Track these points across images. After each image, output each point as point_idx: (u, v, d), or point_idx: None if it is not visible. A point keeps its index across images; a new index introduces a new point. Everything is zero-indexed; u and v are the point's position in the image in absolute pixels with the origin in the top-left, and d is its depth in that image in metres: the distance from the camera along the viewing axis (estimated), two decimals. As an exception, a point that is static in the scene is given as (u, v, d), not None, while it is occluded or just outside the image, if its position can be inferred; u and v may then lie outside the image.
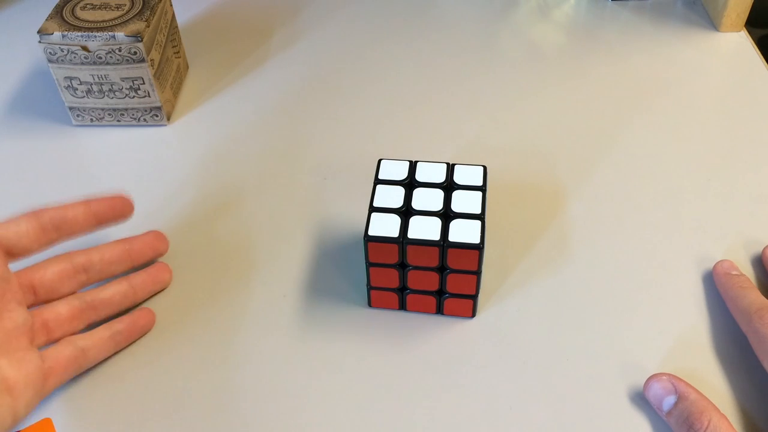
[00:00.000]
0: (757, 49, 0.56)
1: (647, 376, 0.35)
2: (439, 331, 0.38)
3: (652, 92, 0.52)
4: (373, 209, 0.36)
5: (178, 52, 0.53)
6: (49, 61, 0.46)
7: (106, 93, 0.48)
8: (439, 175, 0.37)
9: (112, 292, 0.37)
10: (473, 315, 0.38)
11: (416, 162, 0.38)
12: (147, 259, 0.40)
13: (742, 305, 0.36)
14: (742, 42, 0.56)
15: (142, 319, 0.38)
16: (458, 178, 0.37)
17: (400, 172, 0.38)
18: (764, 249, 0.40)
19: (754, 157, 0.47)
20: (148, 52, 0.47)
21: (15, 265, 0.34)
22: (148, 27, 0.46)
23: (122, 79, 0.47)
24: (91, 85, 0.48)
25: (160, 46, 0.49)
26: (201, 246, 0.42)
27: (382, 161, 0.38)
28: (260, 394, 0.36)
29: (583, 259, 0.41)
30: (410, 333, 0.38)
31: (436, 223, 0.35)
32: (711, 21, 0.59)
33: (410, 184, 0.37)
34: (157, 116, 0.50)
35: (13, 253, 0.34)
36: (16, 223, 0.34)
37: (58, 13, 0.47)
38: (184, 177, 0.47)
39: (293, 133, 0.50)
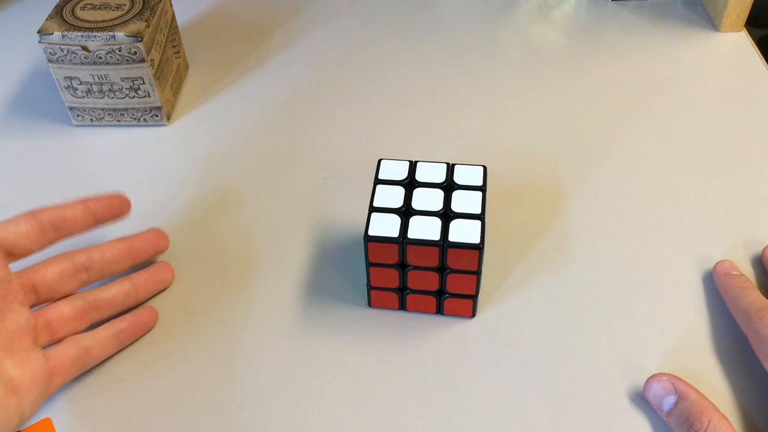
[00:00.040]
0: (757, 49, 0.56)
1: (647, 376, 0.35)
2: (439, 331, 0.38)
3: (652, 92, 0.52)
4: (373, 209, 0.36)
5: (178, 52, 0.53)
6: (49, 61, 0.46)
7: (106, 93, 0.48)
8: (439, 175, 0.37)
9: (114, 291, 0.38)
10: (473, 315, 0.38)
11: (416, 162, 0.38)
12: (148, 256, 0.40)
13: (743, 305, 0.36)
14: (742, 42, 0.56)
15: (145, 317, 0.38)
16: (458, 178, 0.37)
17: (400, 172, 0.38)
18: (764, 249, 0.40)
19: (754, 157, 0.47)
20: (148, 52, 0.47)
21: (15, 266, 0.34)
22: (148, 27, 0.46)
23: (122, 79, 0.47)
24: (91, 85, 0.48)
25: (160, 46, 0.49)
26: (201, 246, 0.42)
27: (382, 161, 0.38)
28: (260, 394, 0.36)
29: (583, 259, 0.41)
30: (410, 333, 0.38)
31: (436, 223, 0.35)
32: (711, 21, 0.59)
33: (410, 184, 0.37)
34: (157, 116, 0.50)
35: (13, 254, 0.34)
36: (15, 224, 0.34)
37: (58, 13, 0.47)
38: (184, 177, 0.47)
39: (293, 133, 0.50)
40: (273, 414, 0.35)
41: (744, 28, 0.57)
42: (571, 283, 0.40)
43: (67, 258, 0.36)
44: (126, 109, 0.49)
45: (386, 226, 0.35)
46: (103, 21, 0.46)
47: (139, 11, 0.47)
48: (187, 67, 0.56)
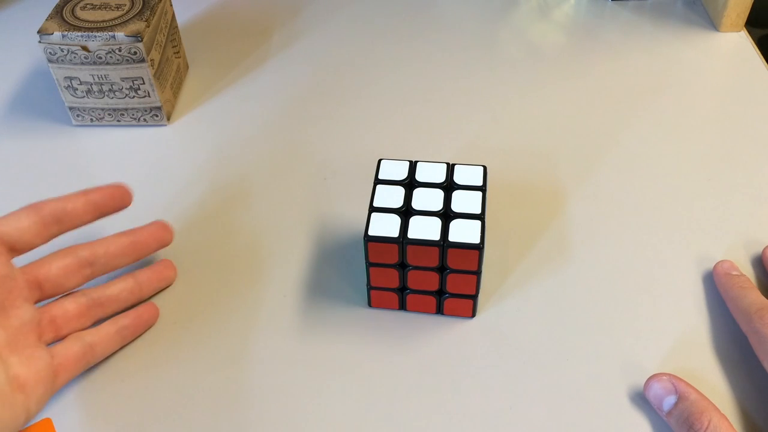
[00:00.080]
0: (757, 49, 0.56)
1: (647, 376, 0.35)
2: (439, 331, 0.38)
3: (652, 92, 0.52)
4: (373, 209, 0.36)
5: (178, 52, 0.53)
6: (49, 61, 0.46)
7: (106, 93, 0.48)
8: (439, 175, 0.37)
9: (118, 289, 0.38)
10: (473, 315, 0.38)
11: (416, 162, 0.38)
12: (152, 250, 0.40)
13: (743, 305, 0.36)
14: (742, 42, 0.56)
15: (146, 314, 0.38)
16: (458, 178, 0.37)
17: (400, 172, 0.38)
18: (764, 249, 0.40)
19: (754, 157, 0.47)
20: (148, 52, 0.47)
21: (19, 261, 0.34)
22: (148, 27, 0.46)
23: (122, 79, 0.47)
24: (91, 85, 0.48)
25: (160, 46, 0.49)
26: (201, 246, 0.42)
27: (382, 161, 0.38)
28: (260, 394, 0.36)
29: (583, 259, 0.41)
30: (410, 333, 0.38)
31: (436, 223, 0.35)
32: (711, 21, 0.59)
33: (410, 184, 0.37)
34: (157, 116, 0.50)
35: (15, 249, 0.34)
36: (16, 219, 0.34)
37: (58, 13, 0.47)
38: (184, 177, 0.47)
39: (293, 133, 0.50)
40: (273, 413, 0.35)
41: (744, 28, 0.57)
42: (571, 283, 0.40)
43: (71, 253, 0.36)
44: (126, 109, 0.49)
45: (386, 226, 0.35)
46: (103, 21, 0.46)
47: (139, 11, 0.47)
48: (187, 67, 0.56)
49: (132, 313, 0.38)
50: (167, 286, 0.40)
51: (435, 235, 0.34)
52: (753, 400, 0.34)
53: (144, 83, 0.48)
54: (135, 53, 0.46)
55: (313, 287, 0.40)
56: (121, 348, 0.37)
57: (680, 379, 0.34)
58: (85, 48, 0.46)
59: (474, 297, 0.37)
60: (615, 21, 0.59)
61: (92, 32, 0.45)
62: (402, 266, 0.36)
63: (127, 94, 0.48)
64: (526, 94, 0.52)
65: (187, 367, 0.37)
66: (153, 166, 0.48)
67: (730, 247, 0.41)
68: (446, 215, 0.35)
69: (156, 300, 0.40)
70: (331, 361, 0.37)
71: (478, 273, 0.35)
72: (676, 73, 0.54)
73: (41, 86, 0.54)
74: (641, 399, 0.35)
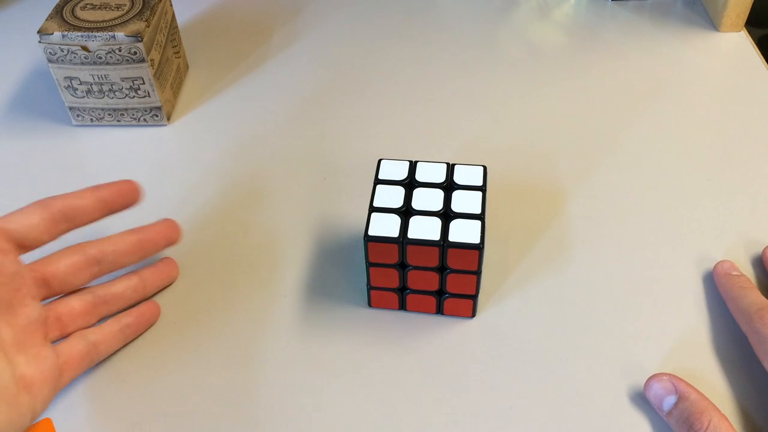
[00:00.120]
0: (757, 49, 0.56)
1: (647, 376, 0.35)
2: (439, 331, 0.38)
3: (652, 92, 0.52)
4: (373, 209, 0.36)
5: (178, 52, 0.53)
6: (49, 61, 0.46)
7: (106, 93, 0.48)
8: (439, 175, 0.37)
9: (123, 287, 0.37)
10: (473, 315, 0.38)
11: (416, 162, 0.38)
12: (159, 249, 0.39)
13: (743, 305, 0.36)
14: (742, 42, 0.56)
15: (148, 312, 0.38)
16: (458, 178, 0.37)
17: (400, 172, 0.38)
18: (764, 249, 0.40)
19: (754, 157, 0.47)
20: (148, 52, 0.47)
21: (26, 257, 0.34)
22: (148, 27, 0.46)
23: (122, 79, 0.47)
24: (91, 85, 0.48)
25: (160, 46, 0.49)
26: (201, 246, 0.42)
27: (382, 161, 0.38)
28: (260, 394, 0.36)
29: (583, 259, 0.41)
30: (410, 333, 0.38)
31: (436, 223, 0.35)
32: (711, 21, 0.59)
33: (410, 184, 0.37)
34: (157, 116, 0.50)
35: (24, 246, 0.34)
36: (26, 215, 0.34)
37: (58, 13, 0.47)
38: (184, 177, 0.47)
39: (293, 133, 0.50)
40: (273, 413, 0.35)
41: (744, 28, 0.57)
42: (571, 283, 0.40)
43: (79, 250, 0.36)
44: (126, 109, 0.49)
45: (386, 226, 0.35)
46: (103, 21, 0.46)
47: (139, 11, 0.47)
48: (187, 67, 0.56)
49: (135, 311, 0.38)
50: (169, 285, 0.40)
51: (435, 235, 0.34)
52: (753, 400, 0.34)
53: (144, 83, 0.48)
54: (135, 53, 0.46)
55: (313, 287, 0.40)
56: (123, 347, 0.37)
57: (680, 379, 0.34)
58: (85, 48, 0.46)
59: (474, 297, 0.37)
60: (615, 21, 0.59)
61: (92, 32, 0.45)
62: (402, 266, 0.36)
63: (127, 94, 0.48)
64: (526, 94, 0.52)
65: (188, 367, 0.37)
66: (153, 166, 0.48)
67: (730, 247, 0.41)
68: (446, 215, 0.35)
69: (157, 299, 0.40)
70: (331, 361, 0.37)
71: (478, 273, 0.35)
72: (676, 73, 0.54)
73: (41, 86, 0.54)
74: (641, 399, 0.35)
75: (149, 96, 0.49)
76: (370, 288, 0.38)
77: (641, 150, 0.48)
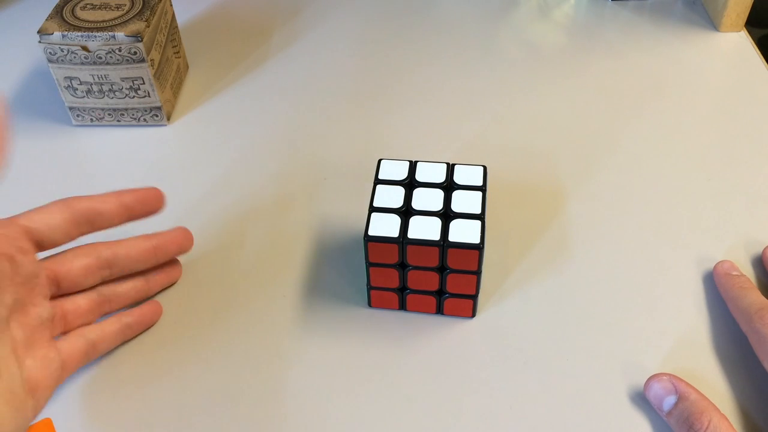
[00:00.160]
0: (757, 49, 0.56)
1: (648, 376, 0.35)
2: (439, 331, 0.38)
3: (652, 92, 0.52)
4: (373, 209, 0.36)
5: (178, 52, 0.53)
6: (49, 61, 0.46)
7: (106, 93, 0.48)
8: (439, 175, 0.37)
9: (129, 287, 0.37)
10: (473, 315, 0.38)
11: (416, 162, 0.38)
12: (170, 257, 0.39)
13: (743, 305, 0.36)
14: (742, 42, 0.56)
15: (149, 313, 0.38)
16: (458, 178, 0.37)
17: (400, 172, 0.38)
18: (764, 249, 0.40)
19: (754, 157, 0.47)
20: (148, 52, 0.47)
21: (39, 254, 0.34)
22: (148, 27, 0.46)
23: (122, 79, 0.47)
24: (91, 85, 0.48)
25: (160, 46, 0.49)
26: (200, 246, 0.42)
27: (382, 161, 0.38)
28: (260, 394, 0.36)
29: (583, 259, 0.41)
30: (410, 333, 0.38)
31: (436, 223, 0.35)
32: (711, 21, 0.59)
33: (410, 184, 0.37)
34: (157, 116, 0.50)
35: (42, 245, 0.33)
36: (49, 215, 0.33)
37: (58, 13, 0.47)
38: (184, 177, 0.47)
39: (293, 133, 0.50)
40: (273, 413, 0.35)
41: (744, 28, 0.57)
42: (571, 283, 0.40)
43: (93, 252, 0.35)
44: (126, 109, 0.49)
45: (386, 226, 0.35)
46: (103, 21, 0.46)
47: (139, 11, 0.47)
48: (187, 67, 0.56)
49: (137, 311, 0.38)
50: (172, 285, 0.40)
51: (435, 235, 0.34)
52: (753, 400, 0.34)
53: (144, 83, 0.48)
54: (135, 53, 0.46)
55: (313, 287, 0.40)
56: (124, 345, 0.38)
57: (680, 379, 0.34)
58: (85, 48, 0.46)
59: (474, 297, 0.37)
60: (615, 21, 0.59)
61: (92, 32, 0.45)
62: (402, 266, 0.36)
63: (127, 94, 0.48)
64: (526, 94, 0.52)
65: (188, 367, 0.37)
66: (153, 166, 0.48)
67: (730, 247, 0.41)
68: (446, 215, 0.35)
69: (157, 299, 0.40)
70: (331, 361, 0.37)
71: (478, 273, 0.35)
72: (676, 73, 0.54)
73: (41, 86, 0.54)
74: (641, 399, 0.35)
75: (149, 96, 0.49)
76: (370, 288, 0.38)
77: (641, 150, 0.48)
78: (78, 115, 0.50)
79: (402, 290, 0.37)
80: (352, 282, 0.40)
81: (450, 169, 0.38)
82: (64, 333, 0.35)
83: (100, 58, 0.46)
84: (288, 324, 0.38)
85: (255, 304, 0.39)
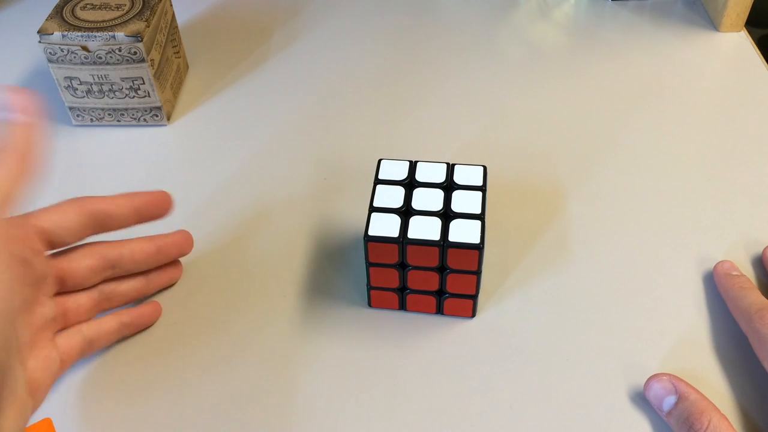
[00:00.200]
0: (757, 49, 0.56)
1: (647, 376, 0.35)
2: (439, 331, 0.38)
3: (652, 92, 0.52)
4: (373, 209, 0.36)
5: (178, 52, 0.53)
6: (49, 61, 0.46)
7: (106, 93, 0.48)
8: (439, 175, 0.37)
9: (129, 286, 0.38)
10: (473, 315, 0.38)
11: (416, 162, 0.38)
12: (171, 258, 0.40)
13: (743, 305, 0.36)
14: (742, 42, 0.56)
15: (148, 313, 0.38)
16: (458, 178, 0.37)
17: (400, 172, 0.38)
18: (764, 249, 0.40)
19: (754, 157, 0.47)
20: (148, 52, 0.47)
21: None
22: (148, 27, 0.46)
23: (122, 79, 0.47)
24: (91, 85, 0.48)
25: (160, 46, 0.49)
26: (200, 246, 0.42)
27: (382, 161, 0.38)
28: (260, 394, 0.36)
29: (583, 259, 0.41)
30: (410, 333, 0.38)
31: (436, 223, 0.35)
32: (711, 21, 0.59)
33: (410, 184, 0.37)
34: (157, 116, 0.50)
35: (52, 245, 0.33)
36: (62, 216, 0.33)
37: (58, 13, 0.47)
38: (184, 177, 0.47)
39: (293, 133, 0.50)
40: (273, 414, 0.35)
41: (744, 28, 0.57)
42: (571, 283, 0.40)
43: (98, 252, 0.35)
44: (126, 109, 0.49)
45: (386, 226, 0.35)
46: (103, 21, 0.46)
47: (139, 11, 0.47)
48: (187, 67, 0.56)
49: (136, 311, 0.38)
50: (172, 285, 0.40)
51: (435, 235, 0.34)
52: (753, 400, 0.34)
53: (144, 83, 0.48)
54: (135, 53, 0.46)
55: (313, 287, 0.40)
56: (122, 346, 0.38)
57: (680, 379, 0.34)
58: (85, 48, 0.46)
59: (474, 297, 0.37)
60: (615, 21, 0.59)
61: (92, 32, 0.45)
62: (402, 266, 0.36)
63: (127, 94, 0.48)
64: (526, 94, 0.52)
65: (187, 367, 0.37)
66: (153, 166, 0.48)
67: (730, 247, 0.41)
68: (446, 215, 0.35)
69: (157, 299, 0.40)
70: (331, 361, 0.37)
71: (478, 273, 0.35)
72: (676, 73, 0.54)
73: (41, 86, 0.54)
74: (641, 399, 0.35)
75: (149, 96, 0.49)
76: (370, 288, 0.38)
77: (641, 150, 0.48)
78: (78, 115, 0.50)
79: (402, 290, 0.37)
80: (352, 282, 0.40)
81: (450, 169, 0.38)
82: (62, 329, 0.35)
83: (100, 58, 0.46)
84: (288, 324, 0.38)
85: (255, 304, 0.39)
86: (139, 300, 0.39)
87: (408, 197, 0.36)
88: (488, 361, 0.36)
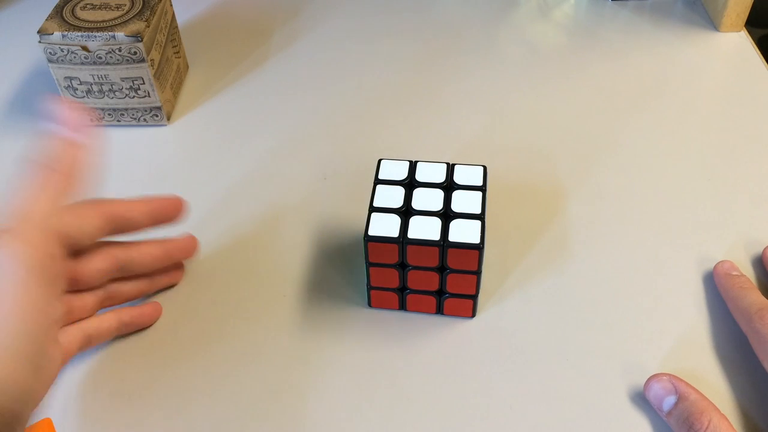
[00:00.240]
0: (757, 49, 0.56)
1: (648, 376, 0.35)
2: (439, 331, 0.38)
3: (652, 92, 0.52)
4: (373, 209, 0.36)
5: (178, 52, 0.53)
6: (49, 61, 0.46)
7: (106, 93, 0.48)
8: (439, 175, 0.37)
9: (133, 286, 0.38)
10: (473, 315, 0.38)
11: (416, 162, 0.38)
12: (177, 261, 0.40)
13: (743, 305, 0.36)
14: (742, 42, 0.56)
15: (148, 313, 0.38)
16: (458, 178, 0.37)
17: (400, 172, 0.38)
18: (764, 249, 0.40)
19: (754, 157, 0.47)
20: (148, 52, 0.47)
21: None
22: (148, 27, 0.46)
23: (122, 79, 0.47)
24: (91, 85, 0.48)
25: (160, 46, 0.49)
26: (201, 246, 0.42)
27: (382, 161, 0.38)
28: (260, 394, 0.36)
29: (583, 259, 0.41)
30: (410, 333, 0.38)
31: (436, 223, 0.35)
32: (711, 21, 0.59)
33: (410, 184, 0.37)
34: (157, 116, 0.50)
35: (69, 248, 0.33)
36: (85, 221, 0.33)
37: (58, 13, 0.47)
38: (184, 177, 0.47)
39: (293, 133, 0.50)
40: (273, 413, 0.35)
41: (744, 28, 0.57)
42: (571, 283, 0.40)
43: (110, 255, 0.35)
44: (126, 109, 0.49)
45: (386, 226, 0.35)
46: (103, 21, 0.46)
47: (139, 11, 0.47)
48: (187, 67, 0.56)
49: (137, 310, 0.38)
50: (173, 286, 0.40)
51: (435, 235, 0.34)
52: (753, 400, 0.34)
53: (144, 83, 0.48)
54: (135, 53, 0.46)
55: (313, 287, 0.40)
56: (122, 346, 0.38)
57: (680, 380, 0.34)
58: (85, 48, 0.46)
59: (474, 297, 0.37)
60: (615, 21, 0.59)
61: (92, 32, 0.45)
62: (402, 266, 0.36)
63: (127, 94, 0.48)
64: (526, 94, 0.52)
65: (187, 367, 0.37)
66: (153, 166, 0.48)
67: (730, 247, 0.41)
68: (446, 215, 0.35)
69: (157, 298, 0.40)
70: (331, 361, 0.37)
71: (478, 273, 0.35)
72: (676, 73, 0.54)
73: (41, 86, 0.54)
74: (641, 399, 0.35)
75: (149, 96, 0.49)
76: (370, 288, 0.38)
77: (641, 150, 0.48)
78: (78, 115, 0.50)
79: (402, 290, 0.37)
80: (352, 282, 0.40)
81: (450, 169, 0.38)
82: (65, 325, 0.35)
83: (100, 58, 0.46)
84: (288, 324, 0.38)
85: (255, 303, 0.39)
86: (140, 298, 0.39)
87: (408, 197, 0.36)
88: (488, 361, 0.36)
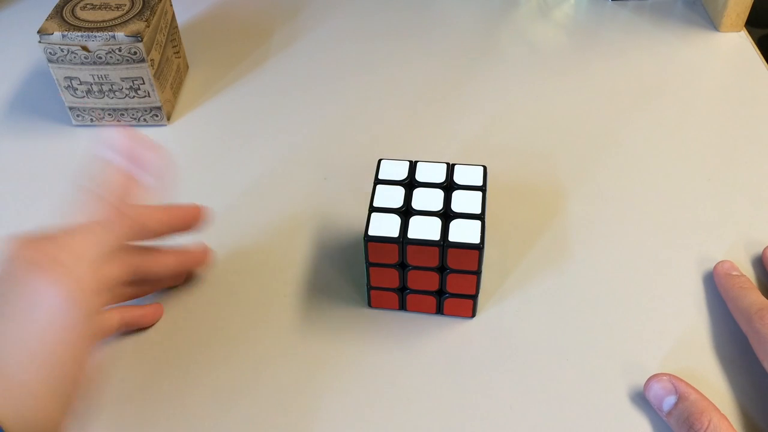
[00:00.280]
0: (757, 49, 0.56)
1: (648, 376, 0.35)
2: (439, 331, 0.38)
3: (652, 92, 0.52)
4: (373, 209, 0.36)
5: (178, 52, 0.53)
6: (49, 61, 0.46)
7: (106, 93, 0.48)
8: (439, 175, 0.37)
9: (138, 288, 0.38)
10: (473, 315, 0.38)
11: (416, 162, 0.38)
12: (188, 269, 0.40)
13: (743, 306, 0.36)
14: (742, 42, 0.56)
15: (150, 313, 0.38)
16: (458, 178, 0.37)
17: (400, 172, 0.38)
18: (764, 249, 0.40)
19: (754, 157, 0.47)
20: (148, 52, 0.47)
21: None
22: (148, 27, 0.46)
23: (122, 79, 0.47)
24: (91, 85, 0.48)
25: (160, 46, 0.49)
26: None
27: (382, 161, 0.38)
28: (260, 394, 0.36)
29: (583, 259, 0.41)
30: (410, 333, 0.38)
31: (436, 223, 0.35)
32: (711, 21, 0.59)
33: (410, 184, 0.37)
34: (157, 116, 0.50)
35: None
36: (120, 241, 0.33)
37: (58, 13, 0.47)
38: (184, 177, 0.47)
39: (293, 133, 0.50)
40: (273, 413, 0.35)
41: (744, 28, 0.57)
42: (571, 283, 0.40)
43: (127, 264, 0.35)
44: (126, 109, 0.49)
45: (386, 226, 0.35)
46: (103, 21, 0.46)
47: (139, 11, 0.47)
48: (187, 67, 0.56)
49: (138, 310, 0.38)
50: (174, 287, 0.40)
51: (435, 235, 0.34)
52: (753, 400, 0.34)
53: (144, 83, 0.48)
54: (135, 53, 0.46)
55: (313, 287, 0.40)
56: (122, 345, 0.38)
57: (680, 380, 0.34)
58: (85, 48, 0.46)
59: (474, 297, 0.37)
60: (615, 21, 0.59)
61: (92, 32, 0.45)
62: (402, 266, 0.36)
63: (127, 94, 0.48)
64: (526, 94, 0.52)
65: (187, 367, 0.37)
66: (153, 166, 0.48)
67: (730, 247, 0.41)
68: (446, 215, 0.35)
69: (157, 298, 0.40)
70: (331, 361, 0.37)
71: (478, 273, 0.35)
72: (676, 73, 0.54)
73: (41, 86, 0.54)
74: (641, 399, 0.35)
75: (149, 96, 0.49)
76: (370, 288, 0.38)
77: (641, 150, 0.48)
78: (78, 115, 0.50)
79: (402, 290, 0.37)
80: (352, 282, 0.40)
81: (450, 169, 0.38)
82: None
83: (100, 58, 0.46)
84: (288, 324, 0.38)
85: (255, 304, 0.39)
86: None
87: (408, 197, 0.36)
88: (488, 361, 0.36)
